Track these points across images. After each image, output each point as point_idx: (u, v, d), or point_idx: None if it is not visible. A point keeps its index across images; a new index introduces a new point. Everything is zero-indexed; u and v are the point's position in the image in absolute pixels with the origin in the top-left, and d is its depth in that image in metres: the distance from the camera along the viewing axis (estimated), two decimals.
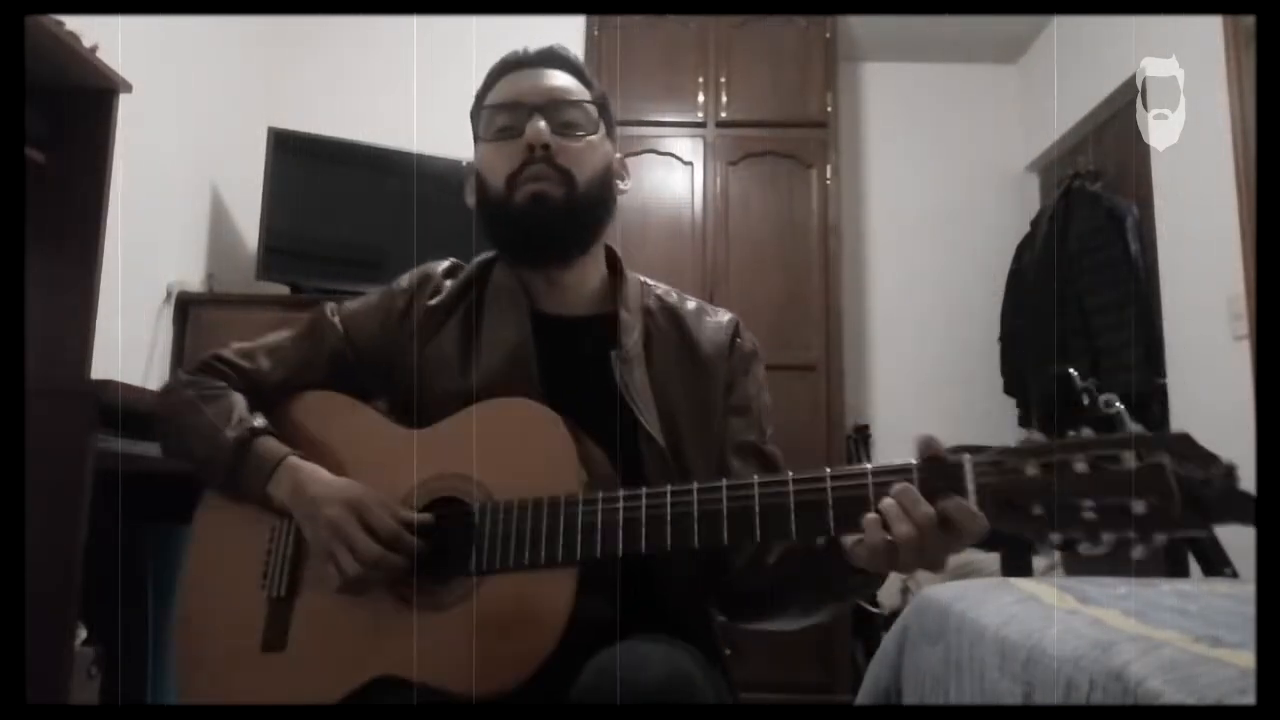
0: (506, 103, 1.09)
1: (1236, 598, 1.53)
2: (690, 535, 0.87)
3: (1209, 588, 1.77)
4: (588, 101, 1.10)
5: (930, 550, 0.80)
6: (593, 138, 1.09)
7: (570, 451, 0.94)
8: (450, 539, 0.95)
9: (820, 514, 0.84)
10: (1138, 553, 0.75)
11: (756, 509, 0.85)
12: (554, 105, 1.07)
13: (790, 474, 0.86)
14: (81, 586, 1.75)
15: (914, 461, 0.83)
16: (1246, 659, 1.08)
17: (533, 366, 1.05)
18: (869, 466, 0.84)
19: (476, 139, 1.13)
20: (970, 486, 0.80)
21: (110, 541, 2.02)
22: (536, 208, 1.04)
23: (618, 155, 1.15)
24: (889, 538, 0.81)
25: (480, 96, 1.13)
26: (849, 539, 0.86)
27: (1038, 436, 0.81)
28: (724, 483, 0.87)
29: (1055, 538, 0.77)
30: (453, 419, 1.02)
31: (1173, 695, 1.03)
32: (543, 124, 1.04)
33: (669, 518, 0.88)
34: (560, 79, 1.11)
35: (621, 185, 1.15)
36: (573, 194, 1.05)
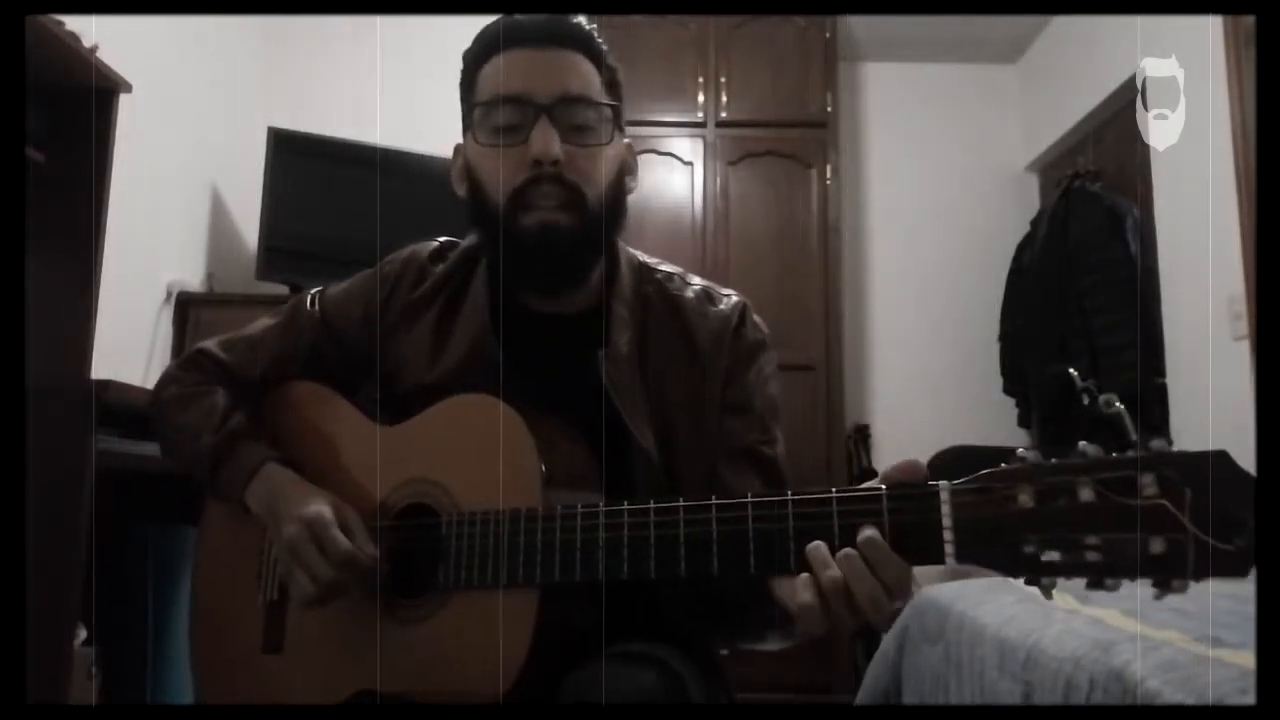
0: (507, 96, 0.95)
1: (1236, 598, 1.53)
2: (646, 564, 0.79)
3: (1209, 588, 1.77)
4: (603, 102, 0.98)
5: (863, 597, 0.70)
6: (606, 144, 0.98)
7: (529, 453, 0.87)
8: (420, 552, 0.92)
9: (780, 545, 0.74)
10: (1156, 596, 0.63)
11: (714, 536, 0.76)
12: (565, 104, 0.94)
13: (749, 497, 0.77)
14: (82, 586, 1.75)
15: (883, 488, 0.72)
16: (1246, 659, 1.08)
17: (496, 362, 0.98)
18: (834, 493, 0.73)
19: (468, 128, 1.00)
20: (947, 520, 0.69)
21: (110, 541, 2.02)
22: (546, 238, 0.93)
23: (626, 142, 1.03)
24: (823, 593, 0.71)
25: (470, 70, 1.00)
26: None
27: (1035, 456, 0.68)
28: (680, 503, 0.79)
29: (1049, 582, 0.66)
30: (418, 418, 0.97)
31: (1173, 695, 1.03)
32: (552, 132, 0.93)
33: (625, 541, 0.80)
34: (572, 66, 0.97)
35: (631, 182, 1.03)
36: (584, 215, 0.94)
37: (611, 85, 1.01)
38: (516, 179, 0.94)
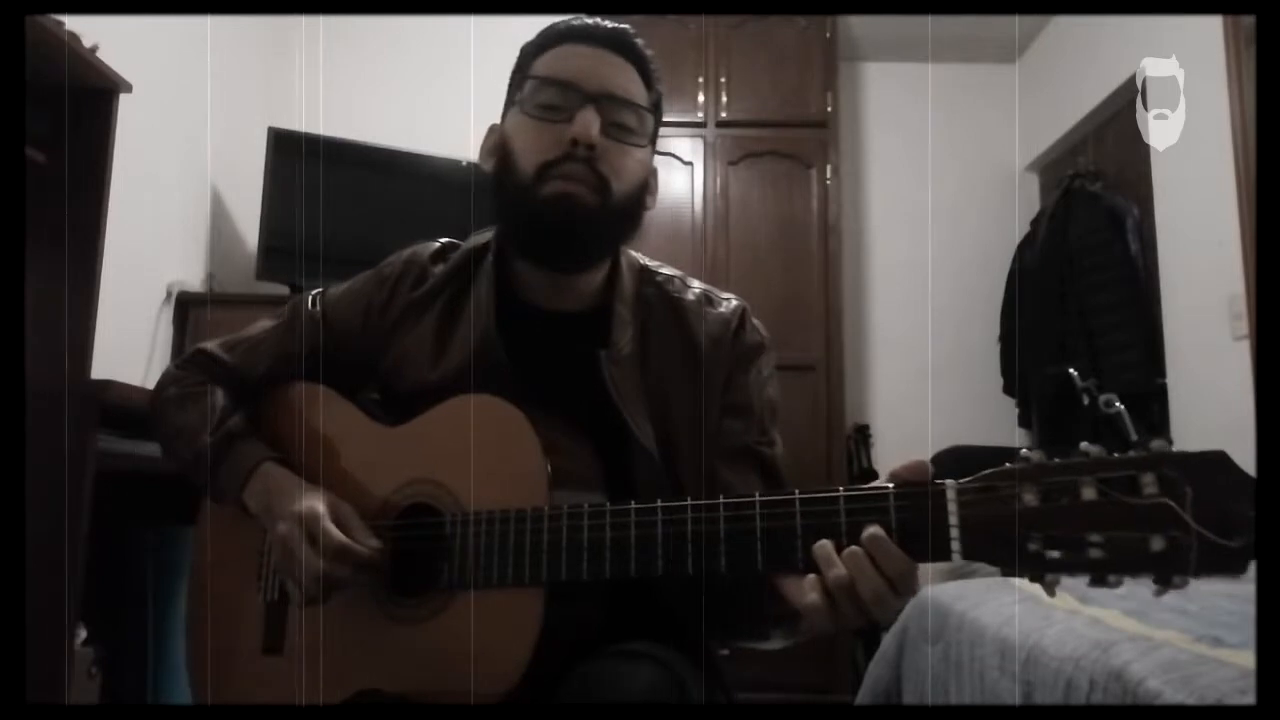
0: (561, 80, 0.97)
1: (1236, 598, 1.54)
2: (654, 562, 0.80)
3: (1209, 588, 1.77)
4: (645, 108, 1.01)
5: (872, 597, 0.72)
6: (640, 149, 1.01)
7: (536, 454, 0.88)
8: (422, 552, 0.92)
9: (788, 543, 0.76)
10: (1156, 593, 0.65)
11: (721, 535, 0.78)
12: (611, 101, 0.97)
13: (757, 496, 0.78)
14: (81, 586, 1.75)
15: (890, 487, 0.74)
16: (1246, 659, 1.08)
17: (500, 361, 0.99)
18: (842, 491, 0.75)
19: (512, 103, 1.02)
20: (953, 519, 0.70)
21: (110, 541, 2.03)
22: (562, 209, 0.95)
23: (654, 168, 1.07)
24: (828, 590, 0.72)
25: (528, 56, 1.03)
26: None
27: (1039, 455, 0.70)
28: (688, 502, 0.80)
29: (1053, 579, 0.67)
30: (422, 418, 0.98)
31: (1173, 695, 1.03)
32: (595, 119, 0.95)
33: (633, 540, 0.81)
34: (626, 72, 1.00)
35: (650, 200, 1.05)
36: (605, 203, 0.96)
37: (656, 107, 1.04)
38: (550, 153, 0.96)
